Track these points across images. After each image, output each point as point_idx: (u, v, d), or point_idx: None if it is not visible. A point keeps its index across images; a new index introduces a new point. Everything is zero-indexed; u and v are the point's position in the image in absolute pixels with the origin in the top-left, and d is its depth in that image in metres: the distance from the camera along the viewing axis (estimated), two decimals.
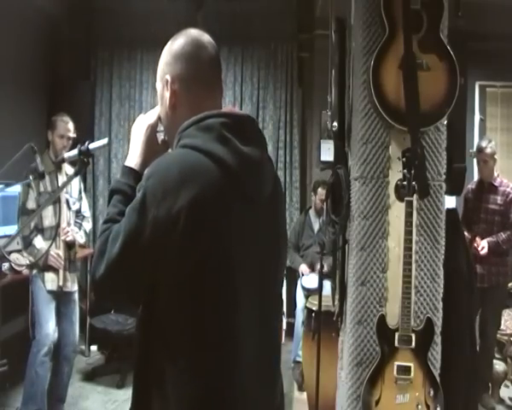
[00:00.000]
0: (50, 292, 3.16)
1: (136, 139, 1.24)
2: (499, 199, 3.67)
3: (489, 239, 3.60)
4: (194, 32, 1.19)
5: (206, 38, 1.20)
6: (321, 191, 4.48)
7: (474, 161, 4.79)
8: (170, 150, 1.24)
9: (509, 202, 3.66)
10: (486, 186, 3.75)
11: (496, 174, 3.75)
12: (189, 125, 1.10)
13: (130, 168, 1.20)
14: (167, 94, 1.17)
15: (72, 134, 3.27)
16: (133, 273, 1.04)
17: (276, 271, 1.22)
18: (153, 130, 1.24)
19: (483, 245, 3.57)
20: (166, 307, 1.05)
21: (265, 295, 1.15)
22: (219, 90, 1.23)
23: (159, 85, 1.21)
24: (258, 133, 1.19)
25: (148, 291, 1.06)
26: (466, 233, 3.47)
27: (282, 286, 1.31)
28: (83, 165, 1.40)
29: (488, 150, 3.69)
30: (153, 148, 1.23)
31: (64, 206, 3.23)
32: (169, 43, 1.21)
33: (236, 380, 1.07)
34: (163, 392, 1.05)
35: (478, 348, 3.60)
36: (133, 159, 1.22)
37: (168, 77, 1.17)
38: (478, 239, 3.61)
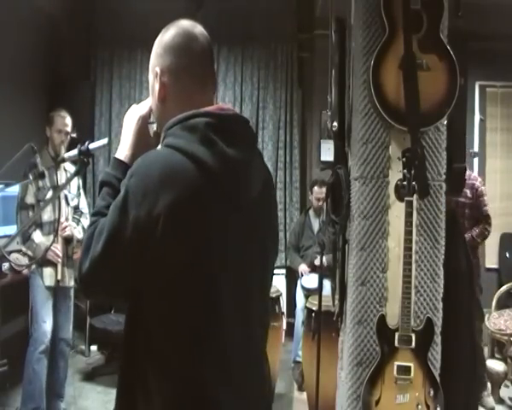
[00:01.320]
0: (48, 288, 3.17)
1: (127, 130, 1.22)
2: (468, 192, 3.70)
3: (464, 236, 3.58)
4: (185, 24, 1.17)
5: (198, 29, 1.17)
6: (317, 190, 4.47)
7: (475, 160, 4.80)
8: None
9: (479, 195, 3.71)
10: None
11: None
12: (174, 123, 1.08)
13: (120, 160, 1.18)
14: (157, 86, 1.16)
15: (69, 129, 3.28)
16: (116, 271, 1.03)
17: (263, 273, 1.20)
18: (144, 121, 1.22)
19: None
20: (149, 309, 1.04)
21: (251, 297, 1.13)
22: (211, 84, 1.20)
23: (150, 77, 1.20)
24: (247, 132, 1.17)
25: (133, 291, 1.05)
26: None
27: (269, 288, 1.29)
28: (83, 165, 1.40)
29: None
30: (144, 140, 1.21)
31: (63, 201, 3.25)
32: (160, 34, 1.19)
33: (221, 380, 1.06)
34: (147, 393, 1.04)
35: None
36: (123, 151, 1.20)
37: (158, 69, 1.16)
38: None
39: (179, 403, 1.04)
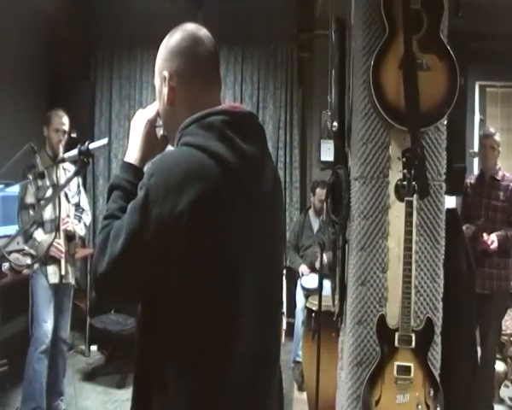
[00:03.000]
0: (52, 286, 3.18)
1: (135, 134, 1.24)
2: (502, 194, 3.39)
3: (497, 233, 3.31)
4: (191, 27, 1.19)
5: (203, 32, 1.19)
6: (319, 191, 4.47)
7: (475, 160, 4.78)
8: (169, 146, 1.25)
9: None
10: (488, 180, 3.47)
11: (497, 167, 3.50)
12: (191, 122, 1.10)
13: (130, 164, 1.20)
14: (165, 90, 1.17)
15: (67, 128, 3.29)
16: (135, 271, 1.03)
17: (278, 269, 1.23)
18: (152, 125, 1.24)
19: (492, 239, 3.28)
20: (169, 306, 1.05)
21: (268, 293, 1.15)
22: (218, 85, 1.22)
23: (157, 81, 1.21)
24: (259, 129, 1.19)
25: (150, 290, 1.06)
26: (464, 228, 3.23)
27: (282, 282, 1.31)
28: (83, 165, 1.40)
29: (497, 137, 3.45)
30: (152, 143, 1.23)
31: (63, 199, 3.26)
32: (166, 39, 1.20)
33: (237, 377, 1.07)
34: (164, 391, 1.04)
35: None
36: (132, 154, 1.21)
37: (166, 73, 1.17)
38: (485, 235, 3.30)
39: (199, 401, 1.04)
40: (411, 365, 2.03)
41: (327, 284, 3.32)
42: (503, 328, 3.95)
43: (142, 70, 5.36)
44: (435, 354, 2.11)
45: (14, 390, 3.51)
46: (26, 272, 3.35)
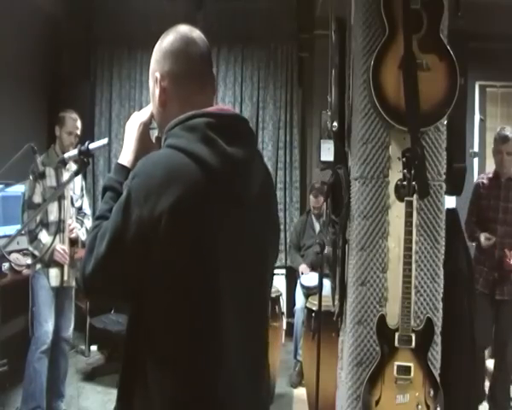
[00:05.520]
0: (53, 288, 3.18)
1: (129, 136, 1.25)
2: None
3: None
4: (183, 29, 1.19)
5: (196, 34, 1.19)
6: (312, 199, 4.46)
7: (475, 160, 4.77)
8: None
9: None
10: (504, 182, 3.30)
11: None
12: (175, 124, 1.10)
13: (123, 165, 1.21)
14: (157, 91, 1.17)
15: (79, 131, 3.31)
16: (119, 272, 1.05)
17: (263, 271, 1.21)
18: (145, 127, 1.25)
19: None
20: (152, 308, 1.05)
21: (252, 296, 1.14)
22: (211, 87, 1.22)
23: (150, 82, 1.21)
24: (247, 132, 1.18)
25: (136, 290, 1.06)
26: (482, 238, 3.22)
27: (270, 286, 1.29)
28: (83, 165, 1.40)
29: None
30: (145, 145, 1.24)
31: (68, 202, 3.26)
32: (159, 40, 1.20)
33: (220, 381, 1.06)
34: (146, 392, 1.05)
35: (493, 368, 3.35)
36: (126, 156, 1.23)
37: (158, 74, 1.17)
38: (507, 252, 3.18)
39: (177, 402, 1.04)
40: (411, 365, 2.03)
41: (327, 283, 3.33)
42: None
43: (142, 70, 5.35)
44: (435, 354, 2.12)
45: (14, 390, 3.51)
46: (26, 272, 3.35)
